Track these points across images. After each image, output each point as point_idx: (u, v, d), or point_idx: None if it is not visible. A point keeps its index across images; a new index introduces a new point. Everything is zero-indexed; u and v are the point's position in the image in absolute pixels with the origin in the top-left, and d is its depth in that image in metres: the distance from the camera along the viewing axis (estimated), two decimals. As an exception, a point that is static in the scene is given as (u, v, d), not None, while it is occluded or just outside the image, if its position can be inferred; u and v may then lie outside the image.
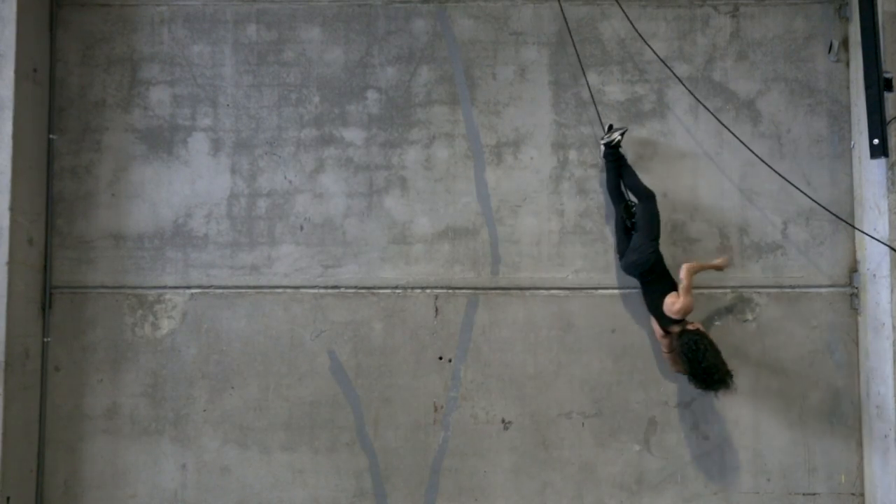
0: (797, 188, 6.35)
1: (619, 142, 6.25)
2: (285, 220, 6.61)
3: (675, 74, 6.49)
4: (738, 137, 6.40)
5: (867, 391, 6.31)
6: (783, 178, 6.36)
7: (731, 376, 5.88)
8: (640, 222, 6.15)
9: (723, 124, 6.43)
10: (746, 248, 6.52)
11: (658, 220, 6.15)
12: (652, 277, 6.08)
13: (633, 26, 6.52)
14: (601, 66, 6.64)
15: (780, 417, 6.41)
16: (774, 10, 6.62)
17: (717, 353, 5.88)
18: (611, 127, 6.35)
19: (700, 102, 6.48)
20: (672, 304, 5.94)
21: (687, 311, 5.92)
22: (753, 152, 6.40)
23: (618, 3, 6.53)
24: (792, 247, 6.51)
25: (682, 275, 5.94)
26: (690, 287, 5.93)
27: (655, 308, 6.08)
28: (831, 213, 6.38)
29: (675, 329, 6.03)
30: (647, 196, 6.17)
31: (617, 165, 6.27)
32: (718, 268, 6.27)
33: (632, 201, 6.27)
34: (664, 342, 6.18)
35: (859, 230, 6.34)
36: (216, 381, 6.51)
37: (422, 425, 6.46)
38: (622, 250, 6.28)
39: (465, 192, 6.59)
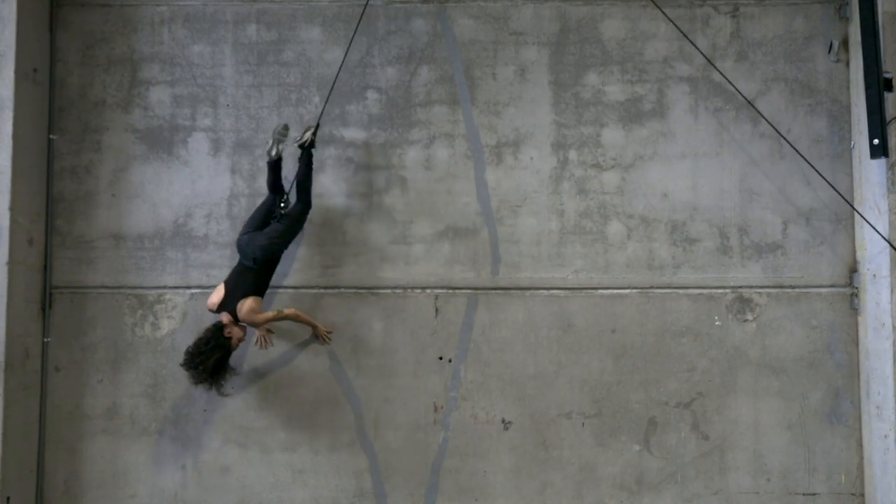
0: (827, 184, 6.34)
1: (311, 142, 6.21)
2: (285, 220, 6.60)
3: (710, 65, 6.48)
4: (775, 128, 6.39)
5: (867, 391, 6.31)
6: (822, 176, 6.35)
7: (203, 377, 5.92)
8: (288, 219, 6.12)
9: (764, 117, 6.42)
10: (746, 248, 6.52)
11: (300, 229, 6.24)
12: (256, 268, 6.04)
13: (676, 27, 6.52)
14: (601, 66, 6.64)
15: (780, 417, 6.41)
16: (774, 10, 6.62)
17: (217, 359, 5.92)
18: (308, 128, 6.28)
19: (738, 91, 6.47)
20: (251, 310, 5.97)
21: (250, 322, 6.02)
22: (789, 142, 6.39)
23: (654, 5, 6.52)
24: (792, 247, 6.52)
25: (287, 311, 6.22)
26: (270, 320, 6.13)
27: (233, 291, 6.03)
28: (846, 200, 6.38)
29: (223, 318, 6.01)
30: (307, 204, 6.20)
31: (306, 163, 6.22)
32: (314, 327, 6.41)
33: (287, 198, 6.25)
34: (208, 301, 6.17)
35: (862, 216, 6.31)
36: (216, 381, 6.51)
37: (422, 425, 6.46)
38: (249, 229, 6.15)
39: (465, 192, 6.59)
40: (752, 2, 6.63)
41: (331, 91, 6.37)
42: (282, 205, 6.20)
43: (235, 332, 6.02)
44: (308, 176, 6.20)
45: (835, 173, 6.50)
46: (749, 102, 6.42)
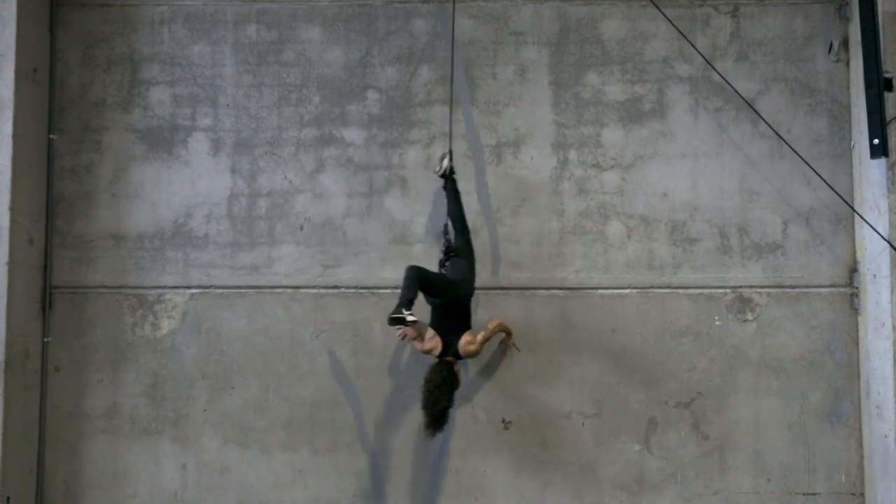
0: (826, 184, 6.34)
1: (450, 168, 6.19)
2: (285, 219, 6.61)
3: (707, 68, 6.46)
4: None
5: (867, 391, 6.31)
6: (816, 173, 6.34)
7: (440, 425, 5.81)
8: (466, 252, 6.11)
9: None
10: (746, 248, 6.52)
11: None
12: (461, 306, 6.00)
13: (676, 28, 6.51)
14: (601, 66, 6.64)
15: (780, 417, 6.41)
16: (774, 10, 6.62)
17: (449, 398, 5.81)
18: (443, 156, 6.27)
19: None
20: (467, 343, 5.89)
21: (469, 355, 5.94)
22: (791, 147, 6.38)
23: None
24: (792, 247, 6.52)
25: (491, 325, 6.08)
26: (483, 343, 5.99)
27: (450, 334, 5.91)
28: (847, 204, 6.38)
29: (445, 358, 5.93)
30: (467, 230, 6.21)
31: (452, 193, 6.24)
32: (508, 335, 6.31)
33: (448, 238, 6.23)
34: (421, 348, 6.03)
35: (862, 217, 6.31)
36: (216, 381, 6.51)
37: (422, 425, 6.44)
38: (447, 275, 6.09)
39: (465, 192, 6.58)
40: (752, 2, 6.63)
41: (451, 99, 6.48)
42: (449, 245, 6.19)
43: (458, 369, 5.97)
44: (459, 206, 6.21)
45: (835, 173, 6.50)
46: (748, 104, 6.41)
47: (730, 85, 6.35)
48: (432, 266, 6.16)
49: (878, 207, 6.17)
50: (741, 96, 6.35)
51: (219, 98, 6.68)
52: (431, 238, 6.56)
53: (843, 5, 6.54)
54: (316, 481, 6.45)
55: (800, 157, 6.24)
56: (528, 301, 6.51)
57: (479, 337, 5.96)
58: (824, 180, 6.24)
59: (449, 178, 6.26)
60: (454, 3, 6.46)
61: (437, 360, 5.93)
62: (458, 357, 5.94)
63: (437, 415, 5.74)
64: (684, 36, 6.36)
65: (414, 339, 6.13)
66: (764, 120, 6.37)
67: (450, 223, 6.26)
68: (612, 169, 6.59)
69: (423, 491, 6.43)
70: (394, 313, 5.50)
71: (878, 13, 6.02)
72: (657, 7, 6.28)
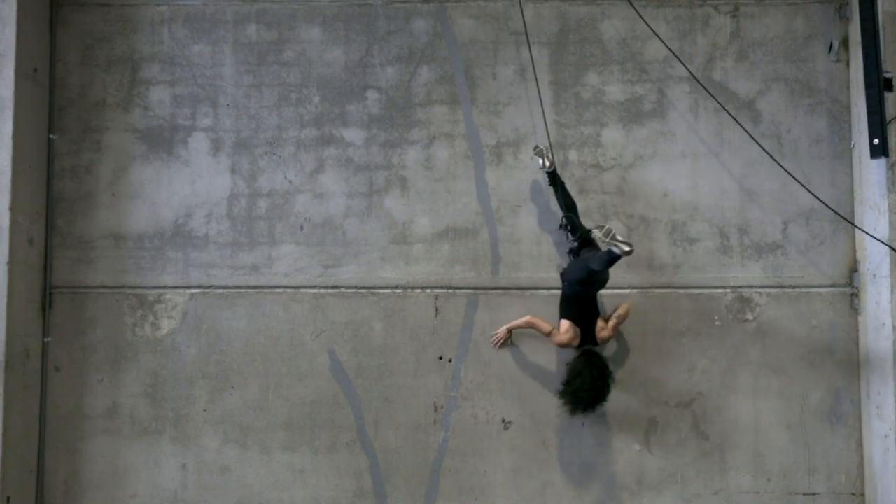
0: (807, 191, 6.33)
1: (547, 164, 6.22)
2: (285, 219, 6.61)
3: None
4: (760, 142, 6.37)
5: (867, 391, 6.31)
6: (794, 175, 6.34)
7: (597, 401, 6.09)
8: (591, 243, 6.16)
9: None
10: (746, 248, 6.52)
11: None
12: (594, 294, 6.14)
13: (663, 42, 6.51)
14: (601, 66, 6.64)
15: (780, 417, 6.41)
16: (774, 10, 6.62)
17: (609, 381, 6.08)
18: (541, 152, 6.29)
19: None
20: (601, 329, 6.10)
21: (605, 342, 6.20)
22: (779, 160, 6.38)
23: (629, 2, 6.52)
24: (792, 247, 6.51)
25: (621, 311, 6.23)
26: (616, 327, 6.21)
27: (590, 322, 6.10)
28: (845, 219, 6.38)
29: (585, 347, 6.13)
30: (577, 227, 6.26)
31: (560, 187, 6.28)
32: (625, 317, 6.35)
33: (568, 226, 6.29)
34: (558, 340, 6.13)
35: (860, 229, 6.33)
36: (216, 381, 6.51)
37: (422, 425, 6.46)
38: (581, 265, 6.11)
39: (465, 192, 6.59)
40: (752, 2, 6.62)
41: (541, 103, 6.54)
42: (571, 234, 6.26)
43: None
44: (565, 199, 6.27)
45: (835, 173, 6.50)
46: (736, 120, 6.41)
47: (717, 101, 6.34)
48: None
49: (878, 207, 6.18)
50: (726, 109, 6.34)
51: (219, 98, 6.68)
52: (432, 238, 6.56)
53: (843, 5, 6.54)
54: (316, 481, 6.45)
55: (794, 178, 6.23)
56: (528, 301, 6.51)
57: (612, 323, 6.14)
58: (821, 200, 6.23)
59: (552, 175, 6.27)
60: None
61: (577, 350, 6.12)
62: (594, 344, 6.11)
63: (603, 396, 6.05)
64: (671, 50, 6.35)
65: (508, 334, 6.37)
66: (749, 134, 6.36)
67: (574, 217, 6.24)
68: (612, 169, 6.59)
69: (423, 491, 6.43)
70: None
71: (878, 13, 6.02)
72: (644, 20, 6.27)
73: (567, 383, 6.05)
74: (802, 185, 6.32)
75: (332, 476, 6.46)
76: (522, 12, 6.42)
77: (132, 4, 6.71)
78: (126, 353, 6.53)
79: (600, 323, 6.11)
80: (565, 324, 6.07)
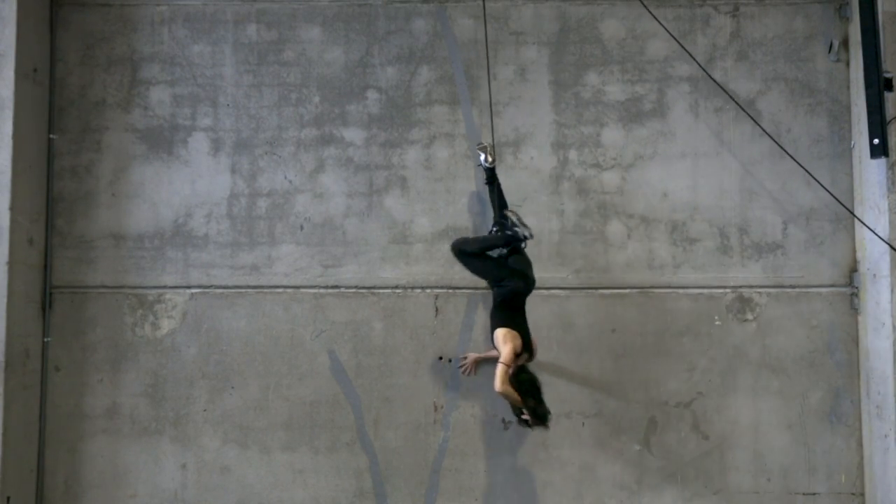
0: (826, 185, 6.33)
1: (489, 161, 6.13)
2: (285, 219, 6.61)
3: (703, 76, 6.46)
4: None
5: (867, 391, 6.31)
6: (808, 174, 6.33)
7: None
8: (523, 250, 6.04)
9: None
10: (746, 248, 6.52)
11: None
12: (523, 303, 5.90)
13: (671, 34, 6.50)
14: (601, 66, 6.64)
15: (780, 417, 6.41)
16: (774, 10, 6.62)
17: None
18: (484, 148, 6.21)
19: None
20: (535, 342, 5.98)
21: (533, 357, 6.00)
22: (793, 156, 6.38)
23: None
24: (792, 247, 6.52)
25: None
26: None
27: (527, 332, 5.81)
28: (849, 210, 6.38)
29: (522, 360, 5.82)
30: (501, 225, 6.04)
31: (496, 186, 6.19)
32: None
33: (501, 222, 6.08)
34: (506, 356, 5.62)
35: (862, 222, 6.32)
36: (216, 381, 6.51)
37: (422, 425, 6.46)
38: (517, 267, 5.95)
39: (465, 192, 6.59)
40: (752, 2, 6.62)
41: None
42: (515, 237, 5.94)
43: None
44: (500, 199, 6.14)
45: (835, 173, 6.50)
46: (745, 111, 6.41)
47: (725, 90, 6.35)
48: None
49: (878, 207, 6.18)
50: (736, 102, 6.35)
51: (219, 98, 6.68)
52: (432, 238, 6.56)
53: (843, 5, 6.54)
54: (316, 481, 6.45)
55: (801, 166, 6.24)
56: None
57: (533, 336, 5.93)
58: (826, 188, 6.24)
59: (488, 171, 6.19)
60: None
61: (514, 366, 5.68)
62: (532, 358, 5.90)
63: (546, 411, 5.64)
64: (679, 42, 6.36)
65: (475, 364, 6.26)
66: (761, 127, 6.36)
67: (512, 216, 5.93)
68: (612, 169, 6.59)
69: (423, 491, 6.43)
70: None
71: (878, 13, 6.02)
72: (654, 14, 6.27)
73: (526, 410, 5.61)
74: (815, 178, 6.31)
75: (332, 476, 6.46)
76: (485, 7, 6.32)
77: (132, 4, 6.71)
78: (126, 353, 6.53)
79: (533, 336, 5.87)
80: (500, 331, 5.67)
